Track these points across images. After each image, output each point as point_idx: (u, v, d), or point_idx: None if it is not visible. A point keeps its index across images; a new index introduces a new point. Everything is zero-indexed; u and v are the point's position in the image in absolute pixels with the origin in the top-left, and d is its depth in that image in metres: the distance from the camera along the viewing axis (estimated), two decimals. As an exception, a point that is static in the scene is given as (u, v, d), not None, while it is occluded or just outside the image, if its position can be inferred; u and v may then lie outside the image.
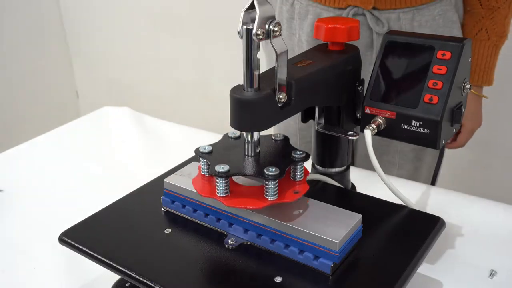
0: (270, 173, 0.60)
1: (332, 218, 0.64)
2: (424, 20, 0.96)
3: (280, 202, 0.63)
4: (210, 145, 0.67)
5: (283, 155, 0.66)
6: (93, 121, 1.29)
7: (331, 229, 0.62)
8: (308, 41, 1.03)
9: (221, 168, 0.61)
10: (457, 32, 1.03)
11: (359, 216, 0.64)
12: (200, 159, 0.67)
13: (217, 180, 0.62)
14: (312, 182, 0.81)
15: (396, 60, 0.74)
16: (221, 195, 0.63)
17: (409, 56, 0.73)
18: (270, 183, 0.61)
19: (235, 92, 0.61)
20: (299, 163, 0.65)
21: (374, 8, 0.95)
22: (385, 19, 0.95)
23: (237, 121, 0.62)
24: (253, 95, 0.60)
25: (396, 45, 0.74)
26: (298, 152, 0.66)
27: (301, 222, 0.63)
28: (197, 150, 0.66)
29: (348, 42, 0.75)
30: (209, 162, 0.65)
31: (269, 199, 0.62)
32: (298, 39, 1.05)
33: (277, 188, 0.62)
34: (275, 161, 0.64)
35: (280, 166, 0.62)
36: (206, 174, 0.67)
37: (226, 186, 0.63)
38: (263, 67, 0.63)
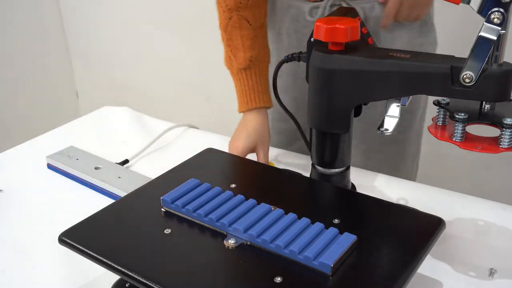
0: (508, 122, 0.66)
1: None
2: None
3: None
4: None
5: None
6: (93, 121, 1.29)
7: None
8: (288, 33, 1.04)
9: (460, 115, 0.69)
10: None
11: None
12: (439, 108, 0.75)
13: (456, 125, 0.70)
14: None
15: None
16: (458, 140, 0.70)
17: None
18: (506, 131, 0.66)
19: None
20: None
21: None
22: (360, 9, 0.97)
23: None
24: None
25: None
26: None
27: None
28: (436, 101, 0.75)
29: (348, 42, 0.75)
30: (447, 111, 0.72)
31: (503, 147, 0.67)
32: (278, 31, 1.07)
33: None
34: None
35: None
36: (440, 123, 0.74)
37: (462, 132, 0.70)
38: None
